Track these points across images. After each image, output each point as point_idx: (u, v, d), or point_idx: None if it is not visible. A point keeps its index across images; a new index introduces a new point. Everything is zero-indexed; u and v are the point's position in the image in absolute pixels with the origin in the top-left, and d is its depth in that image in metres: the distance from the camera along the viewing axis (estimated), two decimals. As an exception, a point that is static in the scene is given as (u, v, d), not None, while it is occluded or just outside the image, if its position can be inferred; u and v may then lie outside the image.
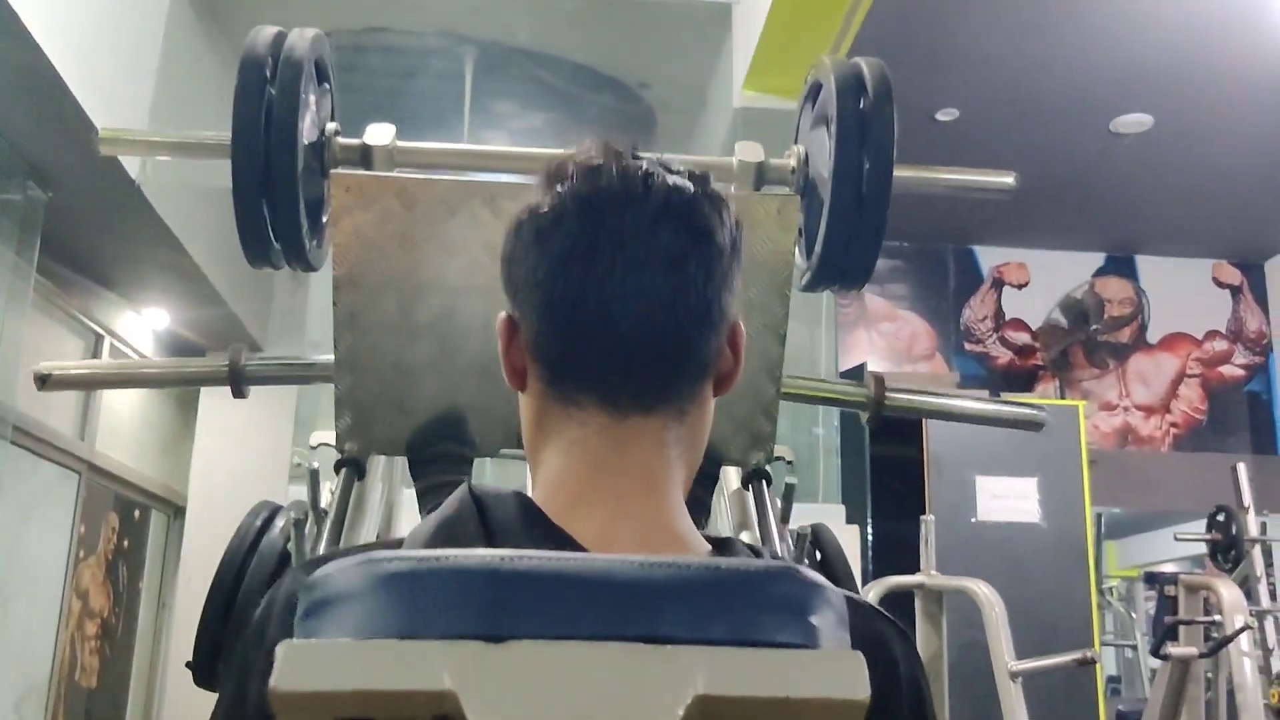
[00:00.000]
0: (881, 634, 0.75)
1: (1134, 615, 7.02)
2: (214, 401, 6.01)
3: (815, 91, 1.94)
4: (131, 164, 4.02)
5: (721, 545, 0.76)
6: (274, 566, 1.92)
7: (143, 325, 5.70)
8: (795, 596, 0.60)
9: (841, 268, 1.84)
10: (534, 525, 0.71)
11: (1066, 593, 4.93)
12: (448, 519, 0.73)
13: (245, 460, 5.90)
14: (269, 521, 1.98)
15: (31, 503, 4.68)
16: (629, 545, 0.71)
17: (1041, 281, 6.60)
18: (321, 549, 1.60)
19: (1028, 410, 1.78)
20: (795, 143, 1.98)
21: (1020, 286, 6.61)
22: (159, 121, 4.13)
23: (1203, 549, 5.09)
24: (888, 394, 1.72)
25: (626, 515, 0.73)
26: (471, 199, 1.58)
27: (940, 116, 5.23)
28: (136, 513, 6.00)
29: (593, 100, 4.77)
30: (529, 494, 0.76)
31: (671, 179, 0.76)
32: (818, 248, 1.83)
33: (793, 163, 1.92)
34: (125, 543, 5.84)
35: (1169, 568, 7.89)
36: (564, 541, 0.70)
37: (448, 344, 1.65)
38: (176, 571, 6.19)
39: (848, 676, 0.54)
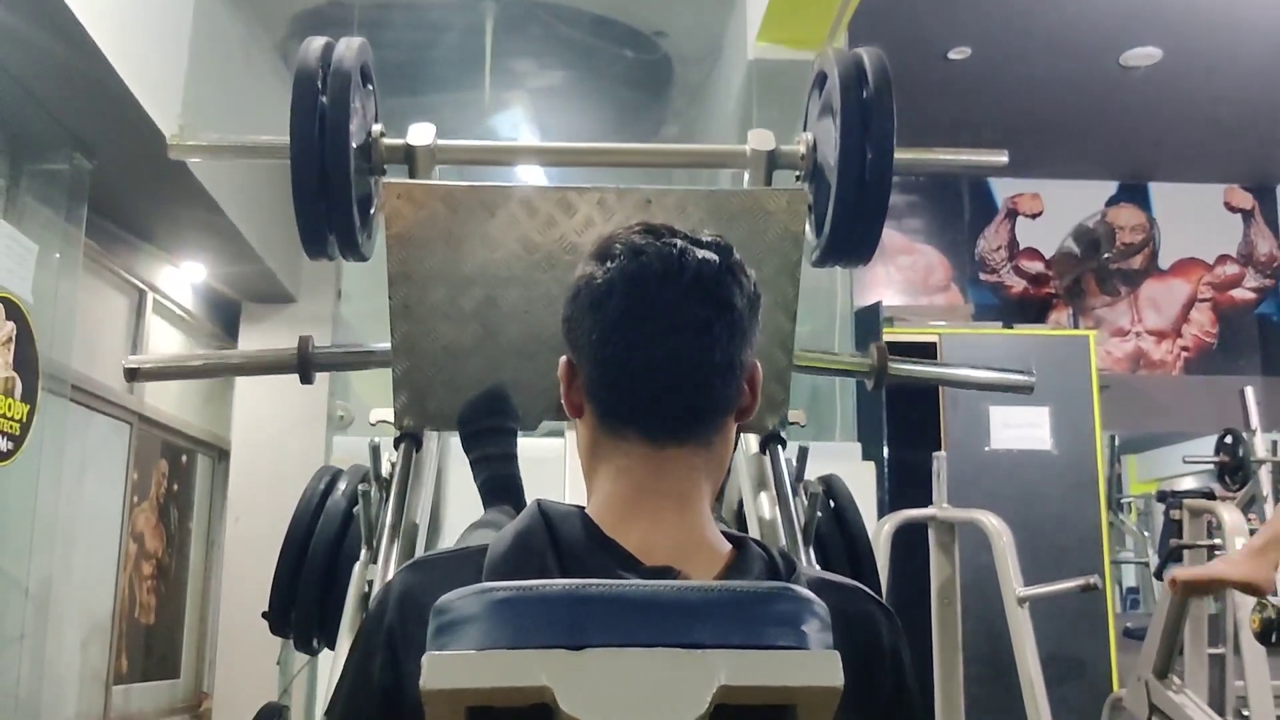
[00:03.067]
0: (870, 614, 0.96)
1: (1147, 533, 7.20)
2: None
3: (821, 81, 2.09)
4: (171, 133, 4.17)
5: (739, 546, 0.96)
6: (339, 527, 2.12)
7: (181, 279, 5.91)
8: (791, 611, 0.80)
9: (848, 246, 2.01)
10: (592, 538, 0.91)
11: (1077, 517, 5.09)
12: (521, 531, 0.93)
13: (284, 408, 6.12)
14: (331, 484, 2.18)
15: (87, 455, 4.92)
16: (666, 552, 0.91)
17: (1055, 211, 6.71)
18: (388, 517, 1.79)
19: (1018, 376, 1.95)
20: (804, 130, 2.13)
21: (1034, 216, 6.72)
22: (193, 90, 4.29)
23: (1186, 459, 5.25)
24: (890, 364, 1.90)
25: (663, 527, 0.93)
26: (509, 201, 1.76)
27: (953, 55, 5.32)
28: (184, 458, 6.26)
29: (612, 54, 4.88)
30: (553, 496, 0.97)
31: (701, 254, 0.95)
32: (826, 228, 1.99)
33: (802, 149, 2.07)
34: (175, 487, 6.11)
35: (1187, 482, 8.05)
36: (616, 551, 0.90)
37: (491, 328, 1.84)
38: (223, 512, 6.47)
39: (828, 671, 0.75)
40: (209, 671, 6.41)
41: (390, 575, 1.75)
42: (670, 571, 0.88)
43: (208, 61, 4.51)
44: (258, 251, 5.42)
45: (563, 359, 1.01)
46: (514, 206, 1.76)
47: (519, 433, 1.94)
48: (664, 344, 0.93)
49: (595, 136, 5.80)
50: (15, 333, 3.74)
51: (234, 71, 4.89)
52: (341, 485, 2.17)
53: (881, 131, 1.91)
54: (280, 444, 6.11)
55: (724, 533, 0.97)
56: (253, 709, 6.00)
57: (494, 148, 2.08)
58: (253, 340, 6.30)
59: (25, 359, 3.80)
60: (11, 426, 3.74)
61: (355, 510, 2.03)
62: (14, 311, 3.75)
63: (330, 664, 1.75)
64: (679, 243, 0.96)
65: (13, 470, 3.80)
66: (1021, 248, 6.73)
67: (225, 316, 6.53)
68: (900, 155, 1.95)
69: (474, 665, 0.73)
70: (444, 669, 0.72)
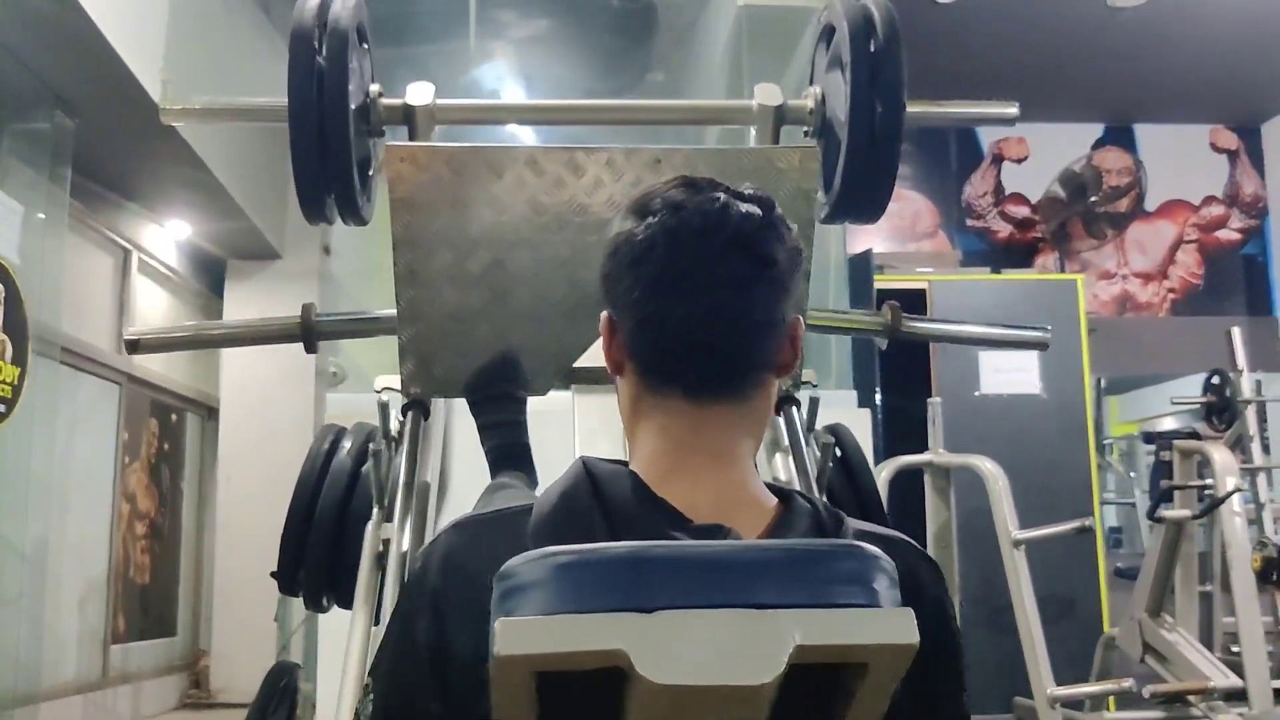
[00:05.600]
0: (913, 566, 0.95)
1: (1133, 474, 7.27)
2: (240, 310, 6.19)
3: (829, 34, 2.05)
4: (153, 88, 4.11)
5: (785, 500, 0.95)
6: (345, 487, 2.11)
7: (166, 238, 5.85)
8: (858, 568, 0.79)
9: (858, 202, 1.99)
10: (641, 496, 0.90)
11: (1066, 460, 5.12)
12: (567, 491, 0.92)
13: (272, 366, 6.09)
14: (336, 443, 2.16)
15: (78, 416, 4.90)
16: (709, 508, 0.90)
17: (1041, 155, 6.69)
18: (402, 480, 1.78)
19: (1034, 333, 1.95)
20: (811, 83, 2.10)
21: (1019, 161, 6.70)
22: (175, 45, 4.22)
23: (1174, 400, 5.29)
24: (904, 323, 1.89)
25: (705, 483, 0.92)
26: (516, 162, 1.74)
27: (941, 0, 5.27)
28: (173, 417, 6.24)
29: (597, 1, 4.81)
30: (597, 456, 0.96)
31: (743, 208, 0.93)
32: (836, 184, 1.97)
33: (810, 104, 2.03)
34: (165, 446, 6.09)
35: (1168, 422, 8.12)
36: (665, 508, 0.89)
37: (499, 292, 1.82)
38: (214, 470, 6.46)
39: (903, 628, 0.75)
40: (205, 629, 6.43)
41: (406, 535, 1.77)
42: (720, 529, 0.87)
43: (188, 15, 4.43)
44: (243, 208, 5.36)
45: (603, 314, 0.99)
46: (521, 168, 1.73)
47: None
48: (703, 301, 0.92)
49: (579, 85, 5.76)
50: (4, 295, 3.70)
51: (214, 25, 4.81)
52: (346, 444, 2.15)
53: (892, 85, 1.88)
54: (269, 401, 6.10)
55: (769, 486, 0.96)
56: (251, 665, 6.03)
57: (495, 106, 2.06)
58: (238, 297, 6.26)
59: (14, 322, 3.76)
60: (4, 390, 3.71)
61: (364, 469, 2.02)
62: (2, 274, 3.71)
63: (349, 622, 1.75)
64: (720, 197, 0.93)
65: (6, 434, 3.77)
66: (1007, 193, 6.72)
67: (210, 275, 6.48)
68: (911, 109, 1.92)
69: (547, 630, 0.72)
70: (517, 634, 0.72)
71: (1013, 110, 2.13)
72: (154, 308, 5.88)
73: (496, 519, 0.96)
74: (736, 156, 1.79)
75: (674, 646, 0.72)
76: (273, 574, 2.14)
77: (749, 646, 0.72)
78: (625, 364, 0.98)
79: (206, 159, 4.76)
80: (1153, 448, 7.61)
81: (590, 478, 0.92)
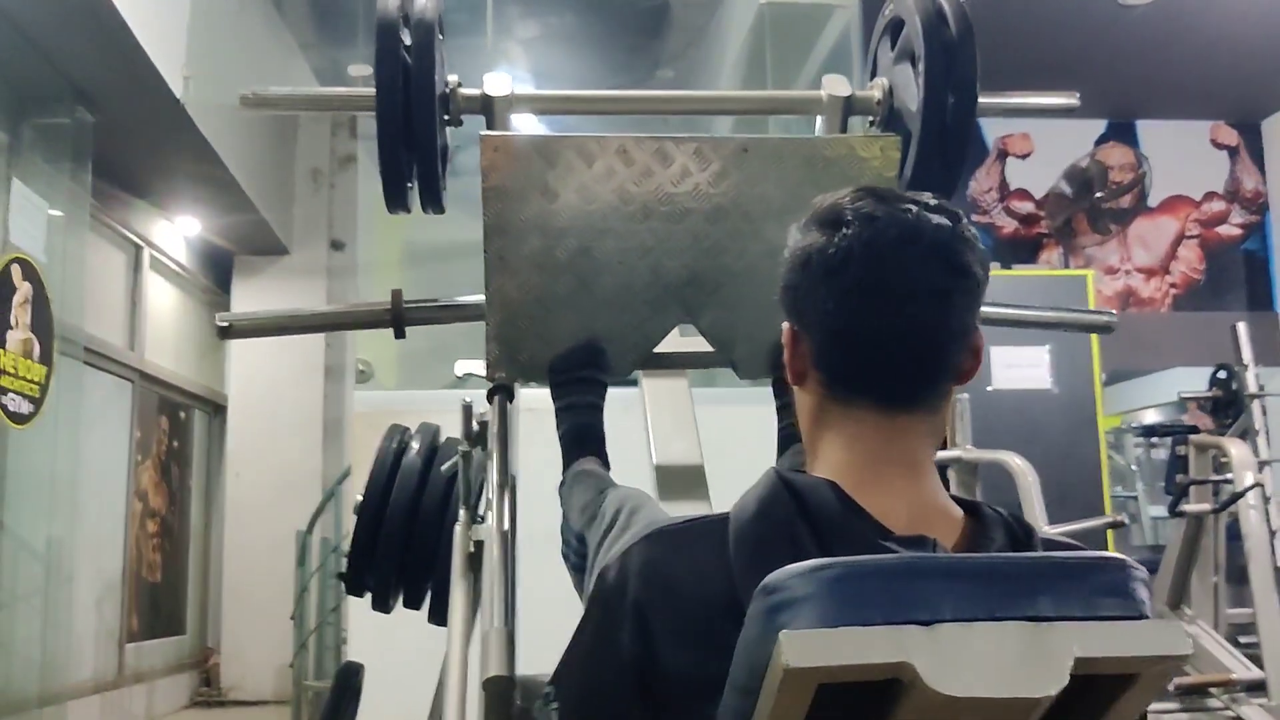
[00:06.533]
0: None
1: (1135, 467, 7.32)
2: (248, 306, 6.17)
3: (895, 27, 2.07)
4: (176, 84, 4.11)
5: (973, 511, 0.95)
6: (415, 486, 2.11)
7: (175, 234, 5.83)
8: (1124, 581, 0.81)
9: (927, 190, 2.01)
10: (847, 507, 0.90)
11: (1078, 455, 5.17)
12: (764, 500, 0.92)
13: (280, 362, 6.09)
14: (404, 445, 2.17)
15: (94, 414, 4.88)
16: (903, 518, 0.90)
17: (1045, 151, 6.73)
18: (494, 476, 1.78)
19: (1099, 316, 1.97)
20: (874, 75, 2.12)
21: (1024, 157, 6.75)
22: (197, 37, 4.21)
23: (1182, 394, 5.33)
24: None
25: (898, 494, 0.92)
26: (606, 151, 1.75)
27: (952, -5, 5.29)
28: (182, 414, 6.21)
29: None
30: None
31: (935, 220, 0.93)
32: (906, 174, 1.99)
33: (877, 95, 2.06)
34: (175, 443, 6.07)
35: (1151, 414, 8.17)
36: (868, 519, 0.89)
37: (584, 279, 1.83)
38: (221, 467, 6.44)
39: (1175, 640, 0.77)
40: (213, 627, 6.41)
41: (500, 534, 1.76)
42: (924, 540, 0.88)
43: (206, 10, 4.42)
44: (254, 202, 5.36)
45: (785, 326, 0.99)
46: (611, 157, 1.75)
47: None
48: (903, 312, 0.92)
49: (590, 80, 5.77)
50: (31, 294, 3.68)
51: (229, 20, 4.80)
52: (415, 445, 2.16)
53: (966, 77, 1.90)
54: (278, 397, 6.09)
55: (952, 497, 0.96)
56: (260, 663, 6.02)
57: (570, 96, 2.06)
58: (246, 294, 6.24)
59: (41, 320, 3.75)
60: (31, 389, 3.69)
61: (443, 469, 2.03)
62: (30, 272, 3.69)
63: (447, 624, 1.74)
64: (913, 208, 0.93)
65: (31, 433, 3.75)
66: (1012, 188, 6.76)
67: (217, 271, 6.46)
68: (980, 100, 1.95)
69: (834, 643, 0.73)
70: (804, 647, 0.73)
71: (1074, 100, 2.17)
72: (164, 304, 5.85)
73: (693, 529, 0.96)
74: (822, 145, 1.81)
75: (958, 658, 0.73)
76: (340, 575, 2.15)
77: (1031, 659, 0.74)
78: (809, 374, 0.97)
79: (222, 153, 4.75)
80: (1141, 440, 7.69)
81: (788, 488, 0.92)
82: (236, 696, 6.02)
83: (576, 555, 1.66)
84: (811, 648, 0.73)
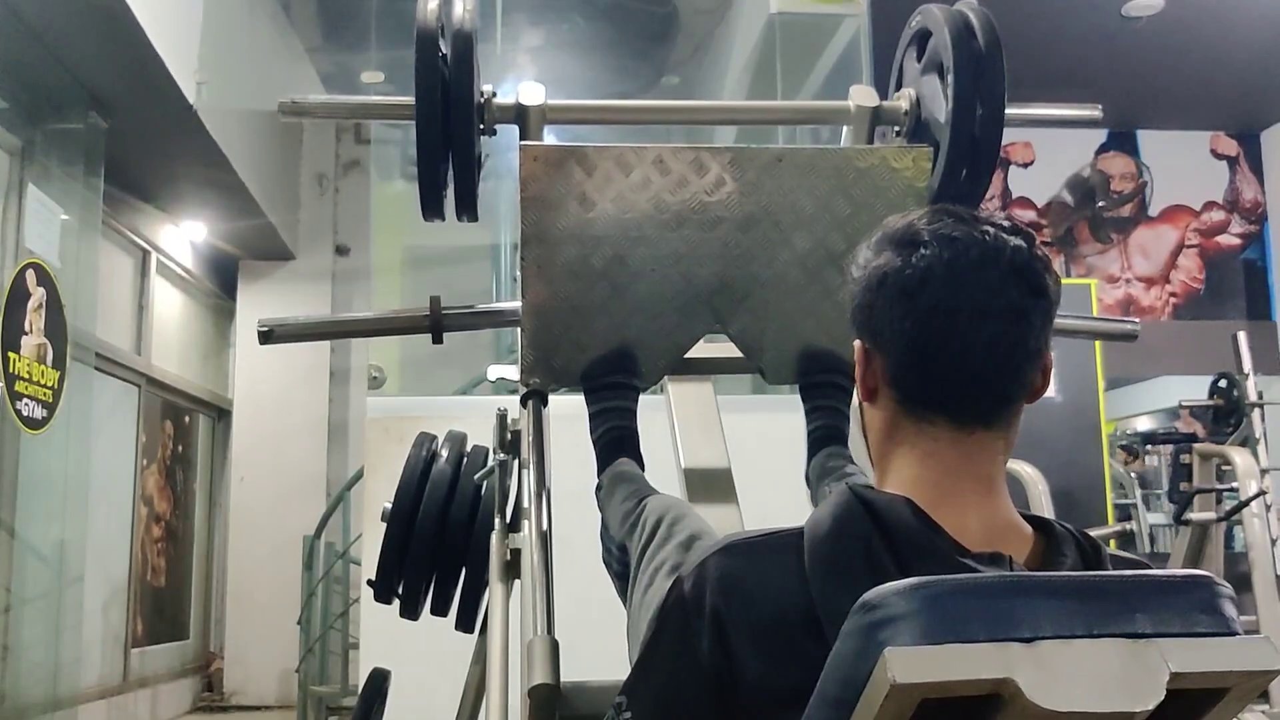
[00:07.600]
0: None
1: (1133, 475, 7.36)
2: (253, 311, 6.17)
3: (922, 38, 2.10)
4: (189, 88, 4.12)
5: (1042, 528, 0.97)
6: (445, 494, 2.12)
7: (181, 239, 5.84)
8: (1215, 599, 0.83)
9: (954, 201, 2.03)
10: (924, 524, 0.92)
11: (1081, 463, 5.21)
12: (840, 517, 0.93)
13: (286, 367, 6.09)
14: (433, 453, 2.18)
15: (101, 418, 4.88)
16: (978, 535, 0.92)
17: (1046, 160, 6.78)
18: (532, 484, 1.78)
19: (1126, 325, 2.00)
20: (900, 86, 2.14)
21: (1026, 165, 6.79)
22: (209, 42, 4.23)
23: (1172, 403, 5.35)
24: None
25: (971, 510, 0.94)
26: (644, 161, 1.77)
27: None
28: (186, 418, 6.21)
29: (623, 6, 4.85)
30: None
31: (1012, 241, 0.95)
32: (933, 185, 2.02)
33: (904, 105, 2.08)
34: (180, 448, 6.07)
35: (1143, 421, 8.20)
36: (944, 536, 0.91)
37: (618, 287, 1.86)
38: (224, 471, 6.44)
39: (1267, 655, 0.80)
40: (215, 631, 6.41)
41: (539, 539, 1.77)
42: (1001, 557, 0.90)
43: (219, 16, 4.44)
44: (261, 207, 5.37)
45: (856, 344, 1.01)
46: (648, 167, 1.77)
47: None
48: (982, 331, 0.93)
49: (596, 88, 5.79)
50: (45, 299, 3.69)
51: (240, 25, 4.81)
52: (445, 453, 2.16)
53: (995, 88, 1.93)
54: (282, 402, 6.09)
55: (1020, 513, 0.98)
56: (264, 669, 6.03)
57: (603, 106, 2.09)
58: (251, 299, 6.25)
59: (54, 325, 3.75)
60: (45, 394, 3.70)
61: (475, 477, 2.03)
62: (44, 277, 3.70)
63: (480, 633, 1.75)
64: (990, 229, 0.95)
65: (45, 437, 3.76)
66: (1014, 197, 6.80)
67: (222, 277, 6.46)
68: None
69: (939, 659, 0.76)
70: (910, 664, 0.75)
71: (1096, 113, 2.19)
72: (170, 309, 5.86)
73: (768, 543, 0.97)
74: (855, 156, 1.83)
75: (1059, 674, 0.76)
76: (369, 582, 2.16)
77: (1130, 674, 0.77)
78: (882, 391, 0.99)
79: (231, 158, 4.77)
80: (1127, 448, 7.72)
81: (864, 504, 0.93)
82: (239, 701, 6.01)
83: (619, 564, 1.67)
84: (917, 664, 0.75)
